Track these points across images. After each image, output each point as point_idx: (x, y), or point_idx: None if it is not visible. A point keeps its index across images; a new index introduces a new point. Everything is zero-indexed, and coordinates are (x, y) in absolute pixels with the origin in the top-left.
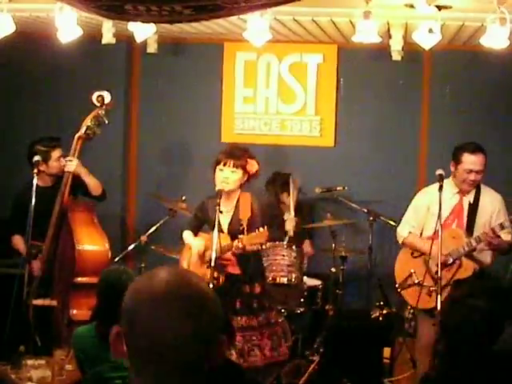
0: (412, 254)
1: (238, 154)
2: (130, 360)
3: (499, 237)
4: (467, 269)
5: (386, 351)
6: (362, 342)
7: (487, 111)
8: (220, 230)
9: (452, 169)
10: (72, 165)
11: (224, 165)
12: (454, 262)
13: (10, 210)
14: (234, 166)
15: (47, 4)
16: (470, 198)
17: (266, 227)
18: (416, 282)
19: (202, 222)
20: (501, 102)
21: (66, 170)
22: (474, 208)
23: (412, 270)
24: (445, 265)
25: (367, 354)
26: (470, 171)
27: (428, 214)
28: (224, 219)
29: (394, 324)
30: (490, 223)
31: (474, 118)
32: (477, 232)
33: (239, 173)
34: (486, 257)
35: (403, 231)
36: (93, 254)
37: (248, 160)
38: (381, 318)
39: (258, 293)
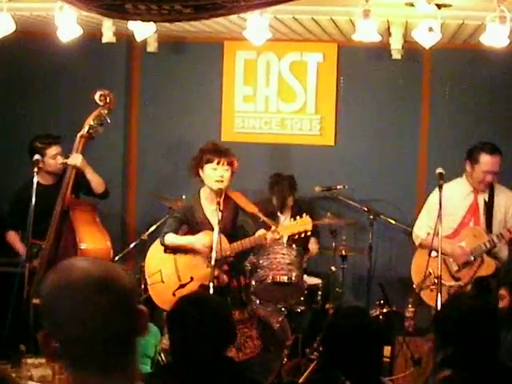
0: (429, 254)
1: (227, 152)
2: (64, 356)
3: None
4: (489, 266)
5: (386, 350)
6: (361, 341)
7: (487, 110)
8: (211, 229)
9: (467, 168)
10: (77, 157)
11: (218, 164)
12: (475, 260)
13: (8, 207)
14: (227, 165)
15: (47, 3)
16: (485, 196)
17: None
18: (435, 281)
19: (182, 225)
20: (501, 100)
21: (69, 163)
22: (489, 206)
23: (430, 270)
24: (467, 263)
25: (367, 353)
26: (488, 172)
27: (444, 214)
28: (214, 218)
29: (393, 323)
30: (506, 220)
31: (474, 117)
32: (494, 229)
33: (230, 171)
34: (504, 253)
35: (421, 232)
36: (95, 253)
37: (233, 157)
38: (381, 317)
39: (243, 285)
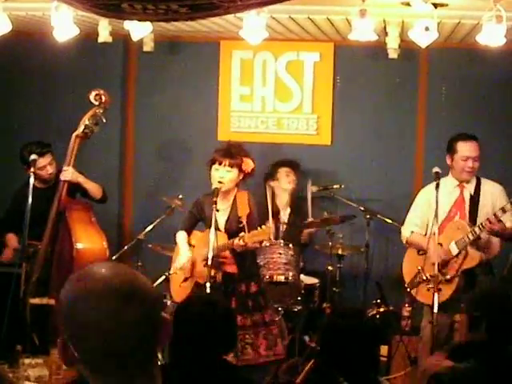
0: (418, 252)
1: (234, 153)
2: (84, 363)
3: (500, 221)
4: (474, 258)
5: (383, 349)
6: (358, 340)
7: (484, 109)
8: (217, 228)
9: (448, 162)
10: (68, 174)
11: (220, 164)
12: (459, 253)
13: (6, 209)
14: (229, 166)
15: (43, 3)
16: (471, 189)
17: (268, 224)
18: (424, 278)
19: (197, 220)
20: (497, 99)
21: (61, 178)
22: (475, 199)
23: (419, 267)
24: (446, 261)
25: (364, 352)
26: (467, 158)
27: (430, 211)
28: (221, 217)
29: (390, 322)
30: (492, 212)
31: (471, 116)
32: (480, 221)
33: (235, 172)
34: (495, 246)
35: (406, 231)
36: (91, 253)
37: (243, 159)
38: (378, 316)
39: (254, 292)
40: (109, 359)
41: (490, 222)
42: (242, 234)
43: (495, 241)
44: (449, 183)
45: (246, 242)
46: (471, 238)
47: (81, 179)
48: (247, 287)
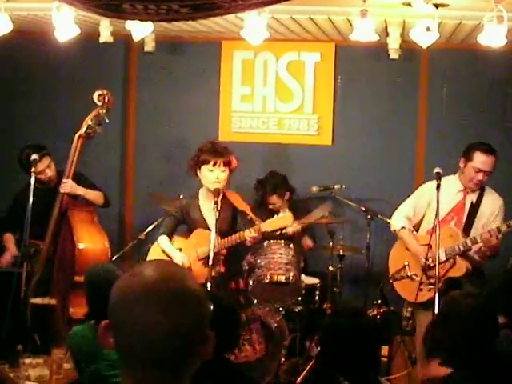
0: (406, 247)
1: (224, 152)
2: (117, 353)
3: (497, 238)
4: (460, 268)
5: (384, 349)
6: (359, 340)
7: (485, 109)
8: (207, 229)
9: (461, 165)
10: (67, 187)
11: (214, 165)
12: (447, 260)
13: (7, 209)
14: (223, 166)
15: (45, 3)
16: (473, 197)
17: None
18: (409, 275)
19: (179, 224)
20: (498, 100)
21: (61, 191)
22: (475, 208)
23: (406, 263)
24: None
25: (364, 353)
26: (479, 171)
27: (429, 209)
28: (211, 218)
29: (391, 322)
30: (488, 224)
31: (472, 116)
32: (474, 233)
33: (227, 171)
34: (480, 258)
35: (397, 223)
36: (93, 253)
37: (230, 157)
38: (378, 317)
39: (243, 288)
40: (139, 363)
41: (491, 235)
42: (257, 223)
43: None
44: (454, 185)
45: (263, 232)
46: (462, 248)
47: (80, 191)
48: (236, 284)
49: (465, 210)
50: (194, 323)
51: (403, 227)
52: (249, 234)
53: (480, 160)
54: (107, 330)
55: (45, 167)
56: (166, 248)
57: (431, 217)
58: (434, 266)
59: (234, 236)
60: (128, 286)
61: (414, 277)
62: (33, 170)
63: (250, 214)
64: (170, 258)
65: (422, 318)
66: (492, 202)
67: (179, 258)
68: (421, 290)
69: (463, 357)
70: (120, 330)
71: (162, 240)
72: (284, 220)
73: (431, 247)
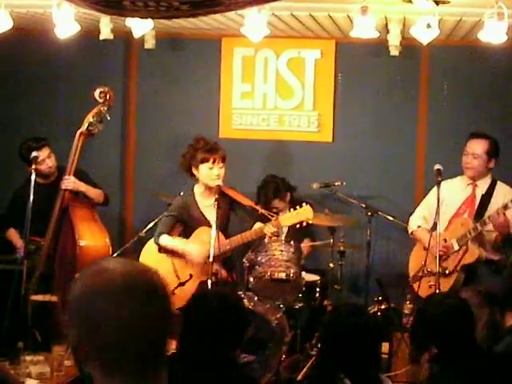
0: (424, 247)
1: (219, 148)
2: (96, 363)
3: (504, 214)
4: (473, 254)
5: (385, 346)
6: (359, 338)
7: (486, 106)
8: (208, 225)
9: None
10: (69, 183)
11: (213, 162)
12: (460, 248)
13: (8, 205)
14: (222, 162)
15: (45, 0)
16: (483, 189)
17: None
18: (426, 272)
19: (177, 223)
20: (498, 96)
21: (63, 187)
22: (486, 199)
23: (423, 262)
24: (451, 251)
25: (365, 350)
26: (467, 154)
27: (442, 206)
28: (210, 215)
29: (392, 319)
30: None
31: (473, 114)
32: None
33: (224, 166)
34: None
35: (413, 224)
36: (94, 250)
37: (224, 152)
38: (379, 313)
39: (235, 280)
40: (123, 357)
41: (498, 213)
42: (275, 217)
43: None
44: (461, 181)
45: (282, 225)
46: (473, 234)
47: (82, 188)
48: (230, 276)
49: (475, 202)
50: (168, 305)
51: (419, 226)
52: (269, 230)
53: (468, 144)
54: (77, 347)
55: (45, 157)
56: (174, 245)
57: (445, 215)
58: (448, 257)
59: (251, 232)
60: (102, 283)
61: (431, 272)
62: (33, 167)
63: (260, 209)
64: (179, 252)
65: None
66: (503, 194)
67: (194, 250)
68: (439, 283)
69: (448, 355)
70: (97, 331)
71: (164, 239)
72: (304, 213)
73: (445, 241)
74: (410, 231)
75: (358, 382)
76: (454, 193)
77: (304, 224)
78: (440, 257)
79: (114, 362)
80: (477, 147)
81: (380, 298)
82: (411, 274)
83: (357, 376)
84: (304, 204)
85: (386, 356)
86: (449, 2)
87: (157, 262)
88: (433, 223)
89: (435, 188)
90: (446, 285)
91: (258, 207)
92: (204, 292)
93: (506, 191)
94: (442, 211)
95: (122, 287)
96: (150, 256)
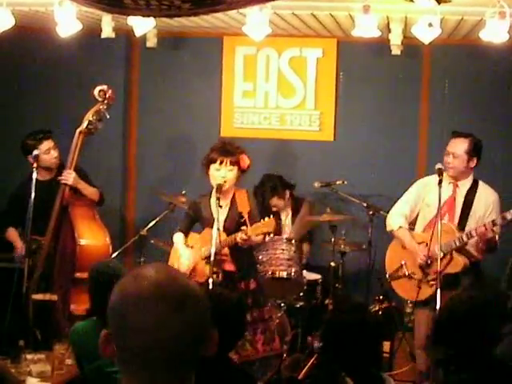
0: (403, 245)
1: (232, 151)
2: (120, 360)
3: (493, 231)
4: (457, 264)
5: (386, 345)
6: (361, 335)
7: (486, 105)
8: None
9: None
10: (70, 177)
11: (220, 164)
12: (444, 256)
13: (7, 203)
14: (230, 164)
15: None
16: (463, 190)
17: (272, 217)
18: (406, 274)
19: (194, 221)
20: (500, 95)
21: (63, 182)
22: (469, 202)
23: (403, 262)
24: (434, 258)
25: (366, 348)
26: (447, 153)
27: (422, 205)
28: (220, 216)
29: (393, 318)
30: (483, 219)
31: (474, 113)
32: (469, 227)
33: (235, 170)
34: (477, 252)
35: (394, 223)
36: (94, 249)
37: (240, 156)
38: (380, 312)
39: (253, 289)
40: (147, 364)
41: (486, 229)
42: (244, 227)
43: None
44: (445, 179)
45: (250, 235)
46: (458, 244)
47: (80, 186)
48: (246, 285)
49: (456, 205)
50: (199, 322)
51: (400, 226)
52: (241, 237)
53: (449, 143)
54: (108, 339)
55: (50, 147)
56: (176, 245)
57: (426, 213)
58: (432, 263)
59: (230, 237)
60: (133, 289)
61: (412, 275)
62: (34, 165)
63: (245, 217)
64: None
65: (420, 316)
66: (486, 198)
67: (185, 257)
68: (419, 287)
69: (464, 359)
70: (124, 333)
71: (176, 237)
72: (267, 225)
73: (427, 245)
74: (389, 229)
75: (360, 381)
76: (434, 192)
77: (267, 237)
78: (422, 265)
79: (134, 367)
80: (457, 146)
81: (381, 297)
82: (389, 270)
83: (358, 374)
84: (267, 218)
85: (387, 355)
86: (450, 1)
87: (173, 256)
88: (411, 221)
89: (418, 183)
90: (427, 290)
91: (244, 214)
92: (206, 292)
93: (489, 193)
94: (422, 209)
95: (152, 296)
96: (173, 249)
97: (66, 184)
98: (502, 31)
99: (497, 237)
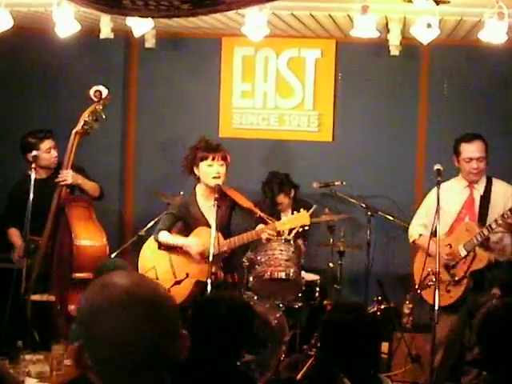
0: (427, 254)
1: (219, 147)
2: (96, 372)
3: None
4: (482, 259)
5: (384, 346)
6: (359, 337)
7: (485, 106)
8: (207, 225)
9: (456, 164)
10: (68, 177)
11: (213, 160)
12: (468, 254)
13: (5, 204)
14: (222, 160)
15: None
16: (481, 190)
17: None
18: (434, 280)
19: (177, 221)
20: (499, 96)
21: (62, 183)
22: (485, 200)
23: (429, 269)
24: (458, 258)
25: (364, 349)
26: (470, 159)
27: (441, 212)
28: (210, 215)
29: (391, 319)
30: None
31: (473, 113)
32: (489, 222)
33: (224, 165)
34: (507, 247)
35: (414, 232)
36: (91, 250)
37: (226, 152)
38: (379, 313)
39: (237, 282)
40: (122, 372)
41: (505, 217)
42: (271, 221)
43: (507, 241)
44: (457, 185)
45: (279, 230)
46: (479, 239)
47: (80, 181)
48: (232, 278)
49: (475, 204)
50: (171, 323)
51: (421, 234)
52: (267, 234)
53: (467, 149)
54: (81, 352)
55: (51, 146)
56: (170, 240)
57: (443, 220)
58: (457, 263)
59: (248, 234)
60: (103, 296)
61: (439, 280)
62: (33, 166)
63: (259, 212)
64: (178, 247)
65: (444, 322)
66: (503, 192)
67: (193, 242)
68: (448, 291)
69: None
70: (98, 345)
71: (164, 235)
72: (301, 218)
73: (451, 247)
74: (411, 240)
75: (358, 382)
76: (451, 197)
77: (300, 229)
78: (447, 265)
79: (109, 375)
80: (479, 150)
81: (379, 298)
82: (417, 280)
83: (356, 375)
84: (302, 209)
85: (385, 356)
86: (449, 2)
87: (155, 260)
88: (433, 228)
89: (432, 192)
90: (457, 292)
91: (256, 209)
92: (214, 296)
93: (505, 187)
94: (441, 216)
95: (124, 303)
96: (149, 253)
97: (65, 185)
98: (501, 32)
99: None
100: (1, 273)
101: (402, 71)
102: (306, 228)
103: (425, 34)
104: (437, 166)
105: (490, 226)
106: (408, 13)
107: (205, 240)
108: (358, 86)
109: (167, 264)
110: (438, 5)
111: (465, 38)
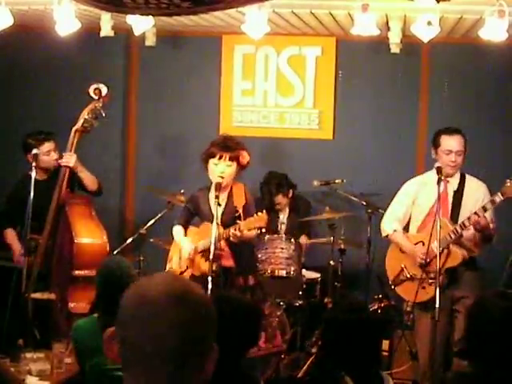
0: (400, 249)
1: (232, 146)
2: (123, 359)
3: (485, 217)
4: (456, 257)
5: (385, 344)
6: (360, 334)
7: (486, 104)
8: (212, 221)
9: (434, 156)
10: (71, 159)
11: (219, 158)
12: (442, 251)
13: (4, 203)
14: (229, 160)
15: None
16: (454, 185)
17: (264, 211)
18: (408, 276)
19: (193, 215)
20: (499, 94)
21: (64, 164)
22: (458, 196)
23: (402, 265)
24: (432, 255)
25: (365, 347)
26: (450, 152)
27: (414, 206)
28: (218, 210)
29: (392, 316)
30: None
31: (473, 111)
32: (462, 219)
33: (234, 166)
34: (479, 244)
35: (388, 227)
36: (91, 248)
37: (240, 152)
38: (379, 311)
39: (252, 285)
40: (144, 359)
41: (478, 216)
42: (238, 222)
43: (479, 237)
44: (433, 177)
45: (242, 230)
46: (453, 237)
47: (79, 169)
48: (245, 281)
49: (448, 199)
50: (205, 335)
51: (395, 230)
52: (233, 232)
53: (447, 142)
54: (113, 339)
55: (51, 148)
56: (176, 237)
57: (417, 214)
58: (431, 261)
59: (224, 230)
60: (145, 296)
61: (414, 276)
62: (34, 164)
63: (240, 211)
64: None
65: (423, 319)
66: (475, 189)
67: (185, 248)
68: (423, 287)
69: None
70: (132, 339)
71: (175, 230)
72: (259, 220)
73: (424, 244)
74: (384, 234)
75: (359, 380)
76: (425, 191)
77: (259, 231)
78: (422, 264)
79: (134, 364)
80: (458, 144)
81: (380, 296)
82: (391, 277)
83: (357, 373)
84: (262, 212)
85: (386, 353)
86: (449, 0)
87: (173, 250)
88: (406, 224)
89: (405, 186)
90: (431, 289)
91: (240, 210)
92: (223, 296)
93: (478, 185)
94: (416, 210)
95: (155, 296)
96: (172, 244)
97: (67, 166)
98: (501, 30)
99: (491, 226)
100: (1, 271)
101: (402, 69)
102: (263, 230)
103: (425, 32)
104: (437, 164)
105: (463, 223)
106: (408, 11)
107: (204, 235)
108: (359, 84)
109: (177, 255)
110: (438, 3)
111: (465, 35)
